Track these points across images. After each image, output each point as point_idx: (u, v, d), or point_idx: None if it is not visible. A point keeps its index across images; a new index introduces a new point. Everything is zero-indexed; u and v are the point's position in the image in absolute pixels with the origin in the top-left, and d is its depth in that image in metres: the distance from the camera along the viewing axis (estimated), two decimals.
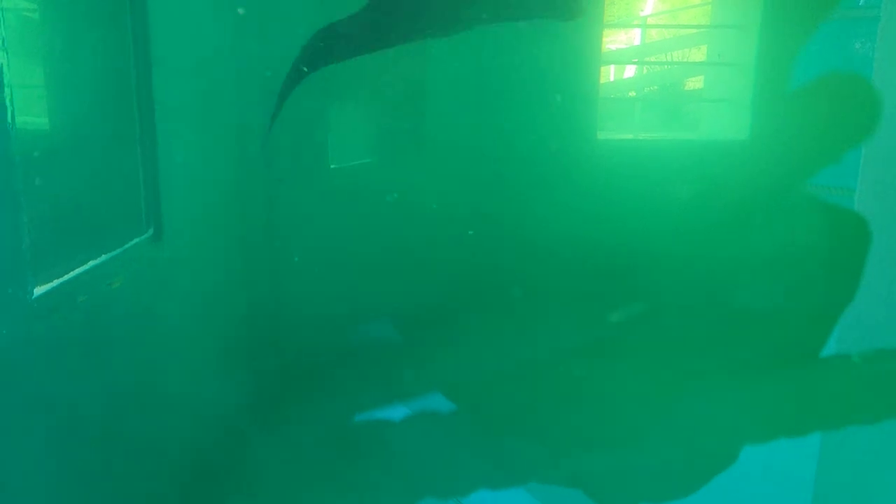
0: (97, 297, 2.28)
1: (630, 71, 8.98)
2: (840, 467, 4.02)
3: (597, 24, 4.84)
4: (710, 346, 4.49)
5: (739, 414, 4.19)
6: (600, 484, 4.01)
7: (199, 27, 3.43)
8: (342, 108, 4.87)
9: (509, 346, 4.73)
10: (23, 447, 1.87)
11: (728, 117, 5.65)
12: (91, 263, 2.31)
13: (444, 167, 5.05)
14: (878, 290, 3.90)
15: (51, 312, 1.98)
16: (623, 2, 11.22)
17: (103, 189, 2.69)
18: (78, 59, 2.64)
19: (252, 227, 4.29)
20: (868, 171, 3.96)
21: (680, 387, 4.28)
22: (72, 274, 2.17)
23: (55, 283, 2.05)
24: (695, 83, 7.34)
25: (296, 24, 4.34)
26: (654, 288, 4.84)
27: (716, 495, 3.92)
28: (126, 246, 2.60)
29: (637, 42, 9.06)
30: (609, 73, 8.60)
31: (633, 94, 8.08)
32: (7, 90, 1.69)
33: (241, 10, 3.80)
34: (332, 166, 4.69)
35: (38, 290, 1.93)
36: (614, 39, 10.62)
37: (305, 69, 3.50)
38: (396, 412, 4.38)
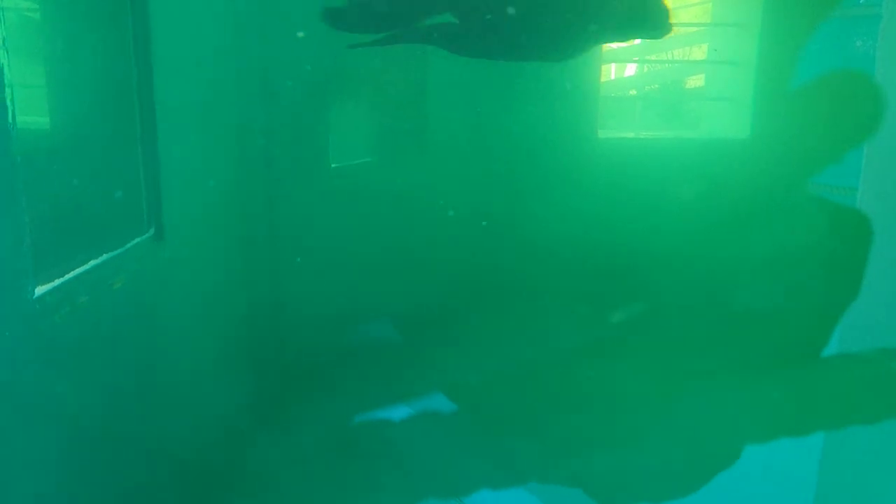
0: (98, 296, 2.28)
1: (631, 69, 8.96)
2: (842, 467, 4.01)
3: None
4: (711, 346, 4.49)
5: (741, 414, 4.18)
6: (602, 484, 4.01)
7: (200, 27, 3.43)
8: (343, 108, 4.87)
9: (510, 346, 4.72)
10: (24, 447, 1.87)
11: (729, 116, 5.64)
12: (92, 263, 2.31)
13: (445, 167, 5.04)
14: (880, 290, 3.89)
15: (52, 312, 1.98)
16: None
17: (104, 189, 2.69)
18: (79, 59, 2.64)
19: (252, 227, 4.29)
20: (870, 170, 3.95)
21: (681, 387, 4.28)
22: (73, 274, 2.16)
23: (56, 282, 2.04)
24: (696, 81, 7.32)
25: (296, 24, 4.34)
26: (654, 288, 4.84)
27: (717, 495, 3.91)
28: (127, 246, 2.60)
29: (638, 40, 9.03)
30: (610, 72, 8.58)
31: (633, 92, 8.06)
32: (8, 90, 1.68)
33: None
34: (332, 166, 4.68)
35: (39, 290, 1.93)
36: None
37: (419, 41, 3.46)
38: (397, 412, 4.38)
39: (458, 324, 4.76)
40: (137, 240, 2.71)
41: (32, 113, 2.75)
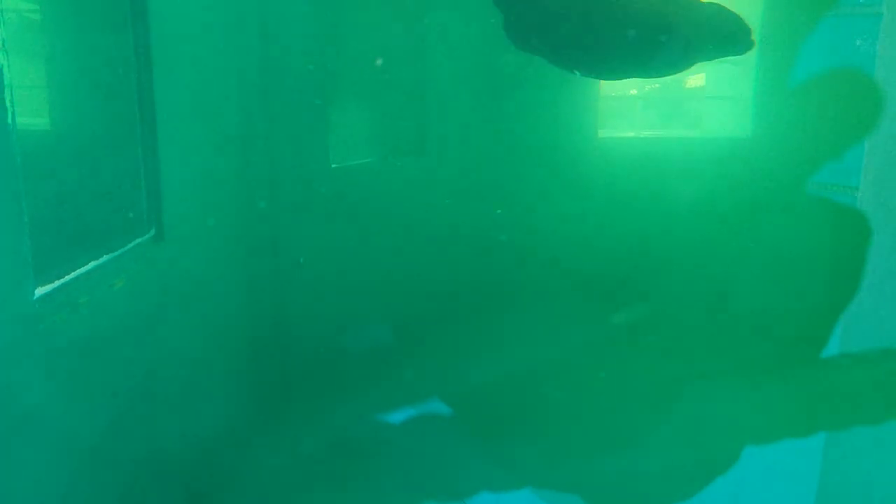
0: (98, 297, 2.27)
1: None
2: (843, 467, 4.01)
3: None
4: (712, 347, 4.48)
5: (742, 414, 4.18)
6: (602, 485, 4.01)
7: (200, 28, 3.43)
8: (343, 108, 4.86)
9: (510, 348, 4.72)
10: (24, 447, 1.87)
11: (729, 114, 5.64)
12: (92, 264, 2.31)
13: (446, 167, 5.03)
14: (881, 289, 3.88)
15: (52, 313, 1.97)
16: None
17: (105, 190, 2.69)
18: (80, 60, 2.64)
19: (252, 228, 4.29)
20: (871, 169, 3.95)
21: (682, 387, 4.28)
22: (73, 275, 2.16)
23: (56, 283, 2.04)
24: (696, 80, 7.31)
25: (296, 24, 4.33)
26: (654, 287, 4.83)
27: (719, 495, 3.91)
28: (127, 247, 2.60)
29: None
30: None
31: (633, 91, 8.04)
32: (8, 91, 1.68)
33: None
34: (332, 166, 4.68)
35: (40, 291, 1.93)
36: None
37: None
38: (397, 415, 4.37)
39: (458, 326, 4.75)
40: (138, 241, 2.70)
41: (33, 113, 2.76)
